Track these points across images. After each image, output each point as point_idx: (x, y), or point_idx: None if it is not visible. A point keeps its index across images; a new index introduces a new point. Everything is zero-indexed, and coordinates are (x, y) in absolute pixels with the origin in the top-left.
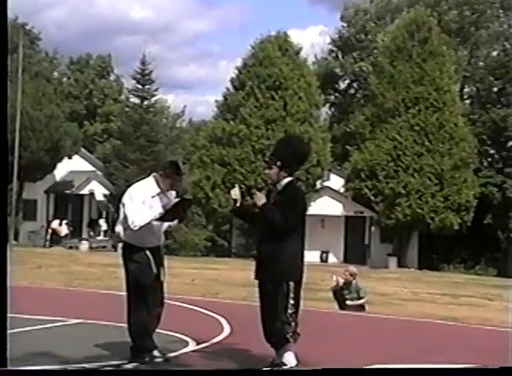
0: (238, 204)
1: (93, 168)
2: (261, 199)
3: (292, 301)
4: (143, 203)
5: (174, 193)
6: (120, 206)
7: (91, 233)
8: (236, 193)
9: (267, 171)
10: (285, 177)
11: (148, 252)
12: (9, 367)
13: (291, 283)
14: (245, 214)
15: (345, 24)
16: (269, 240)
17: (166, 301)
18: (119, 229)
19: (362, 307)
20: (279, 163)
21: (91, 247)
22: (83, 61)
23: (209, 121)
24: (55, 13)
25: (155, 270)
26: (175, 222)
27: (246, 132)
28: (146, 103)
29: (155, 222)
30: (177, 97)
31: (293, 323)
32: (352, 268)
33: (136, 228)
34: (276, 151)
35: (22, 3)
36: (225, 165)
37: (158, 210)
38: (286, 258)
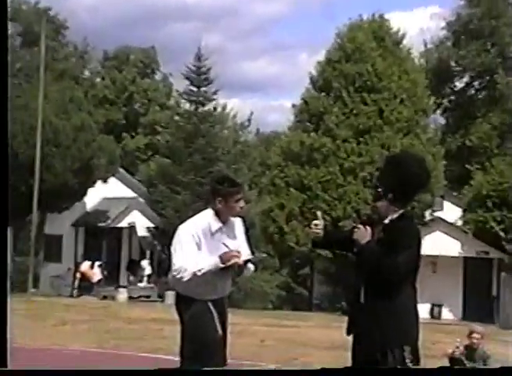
0: (318, 238)
1: (134, 194)
2: (364, 235)
3: None
4: (197, 245)
5: (239, 221)
6: (171, 247)
7: (132, 279)
8: (318, 225)
9: (376, 204)
10: (395, 211)
11: (211, 305)
12: (9, 367)
13: (407, 349)
14: (331, 243)
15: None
16: (373, 290)
17: (229, 367)
18: (171, 276)
19: None
20: (390, 195)
21: (131, 297)
22: (121, 56)
23: (283, 132)
24: None
25: (220, 329)
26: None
27: (332, 147)
28: (201, 109)
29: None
30: (242, 102)
31: None
32: (479, 328)
33: (184, 279)
34: (388, 178)
35: None
36: (305, 190)
37: (219, 251)
38: (401, 314)
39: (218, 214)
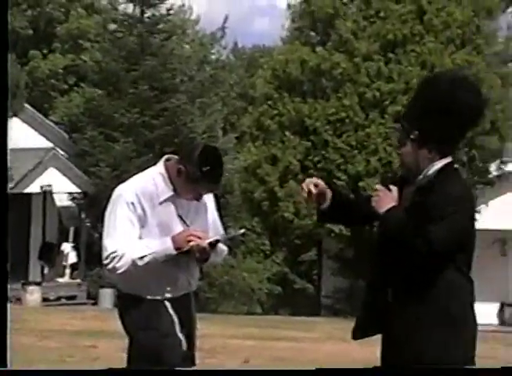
0: (325, 205)
1: (49, 144)
2: (386, 200)
3: None
4: (139, 219)
5: (210, 194)
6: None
7: (47, 271)
8: (319, 188)
9: (400, 150)
10: (434, 159)
11: (169, 307)
12: (9, 367)
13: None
14: (344, 213)
15: None
16: (402, 282)
17: None
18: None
19: None
20: (415, 133)
21: (46, 299)
22: None
23: (275, 47)
24: None
25: (184, 343)
26: (216, 257)
27: (348, 68)
28: (150, 13)
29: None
30: (213, 1)
31: None
32: None
33: (119, 271)
34: (416, 109)
35: None
36: (308, 134)
37: (173, 228)
38: (445, 318)
39: (172, 180)
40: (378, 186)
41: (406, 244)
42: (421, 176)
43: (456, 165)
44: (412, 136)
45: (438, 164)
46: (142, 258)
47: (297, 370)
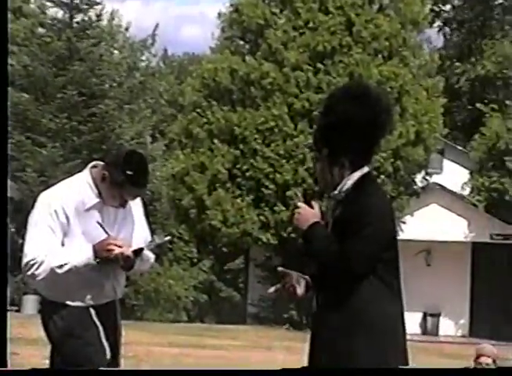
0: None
1: None
2: (306, 217)
3: None
4: (61, 227)
5: (138, 201)
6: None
7: None
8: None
9: (315, 167)
10: (345, 173)
11: (94, 314)
12: (9, 367)
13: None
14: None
15: None
16: (325, 294)
17: None
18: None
19: None
20: (325, 151)
21: None
22: None
23: (204, 55)
24: None
25: (108, 351)
26: (143, 265)
27: (277, 77)
28: (79, 19)
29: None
30: (142, 8)
31: None
32: (489, 347)
33: (38, 278)
34: (321, 128)
35: None
36: (236, 142)
37: (98, 236)
38: (369, 330)
39: (98, 186)
40: (299, 204)
41: (326, 260)
42: (337, 190)
43: (374, 175)
44: (323, 154)
45: (354, 177)
46: (61, 266)
47: (296, 369)
